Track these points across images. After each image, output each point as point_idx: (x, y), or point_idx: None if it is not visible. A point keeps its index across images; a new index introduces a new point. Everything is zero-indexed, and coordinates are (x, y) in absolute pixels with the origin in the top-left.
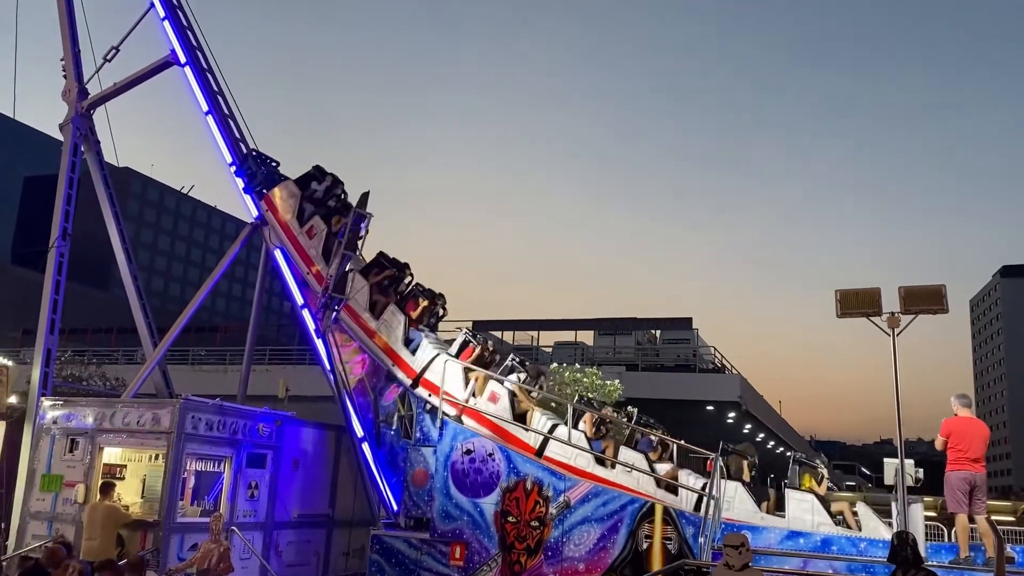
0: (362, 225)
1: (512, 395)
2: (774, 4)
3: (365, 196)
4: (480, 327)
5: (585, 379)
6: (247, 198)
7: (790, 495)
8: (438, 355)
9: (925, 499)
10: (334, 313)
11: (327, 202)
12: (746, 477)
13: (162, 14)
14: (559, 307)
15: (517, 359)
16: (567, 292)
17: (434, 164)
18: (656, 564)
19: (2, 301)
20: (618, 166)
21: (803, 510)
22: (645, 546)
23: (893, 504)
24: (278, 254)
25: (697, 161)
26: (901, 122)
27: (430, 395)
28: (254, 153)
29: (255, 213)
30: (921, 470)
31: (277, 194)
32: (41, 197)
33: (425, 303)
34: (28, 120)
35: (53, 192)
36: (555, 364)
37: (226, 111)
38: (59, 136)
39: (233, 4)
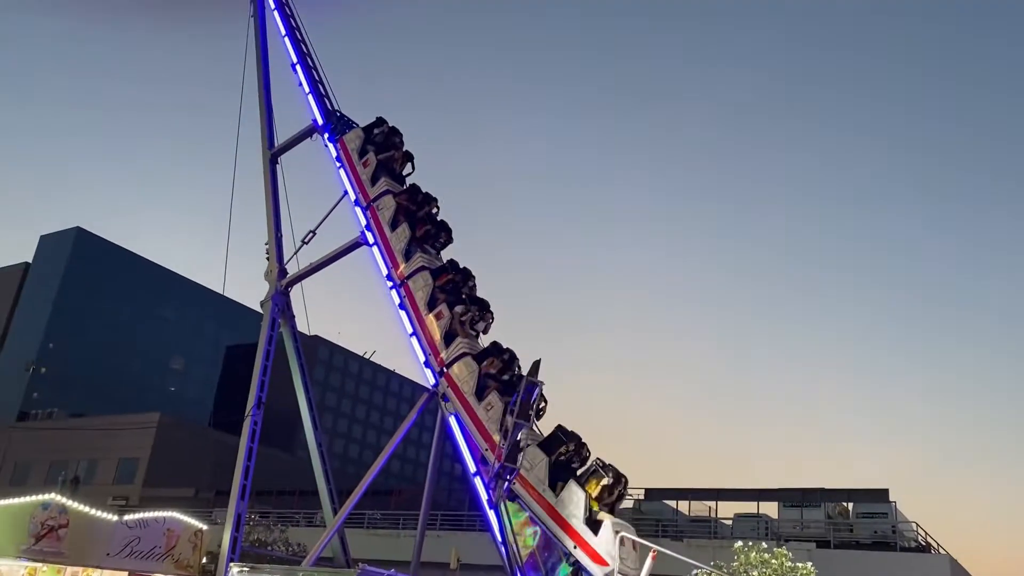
0: (534, 394)
1: None
2: None
3: (536, 364)
4: (653, 495)
5: (774, 560)
6: (426, 369)
7: None
8: (620, 535)
9: None
10: (507, 484)
11: (503, 376)
12: None
13: (353, 198)
14: (739, 475)
15: (600, 462)
16: (747, 458)
17: (604, 327)
18: None
19: (201, 463)
20: (796, 317)
21: None
22: None
23: None
24: (452, 421)
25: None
26: None
27: None
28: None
29: (432, 381)
30: None
31: (456, 371)
32: (240, 364)
33: (607, 481)
34: (232, 294)
35: (251, 360)
36: (739, 543)
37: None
38: (258, 308)
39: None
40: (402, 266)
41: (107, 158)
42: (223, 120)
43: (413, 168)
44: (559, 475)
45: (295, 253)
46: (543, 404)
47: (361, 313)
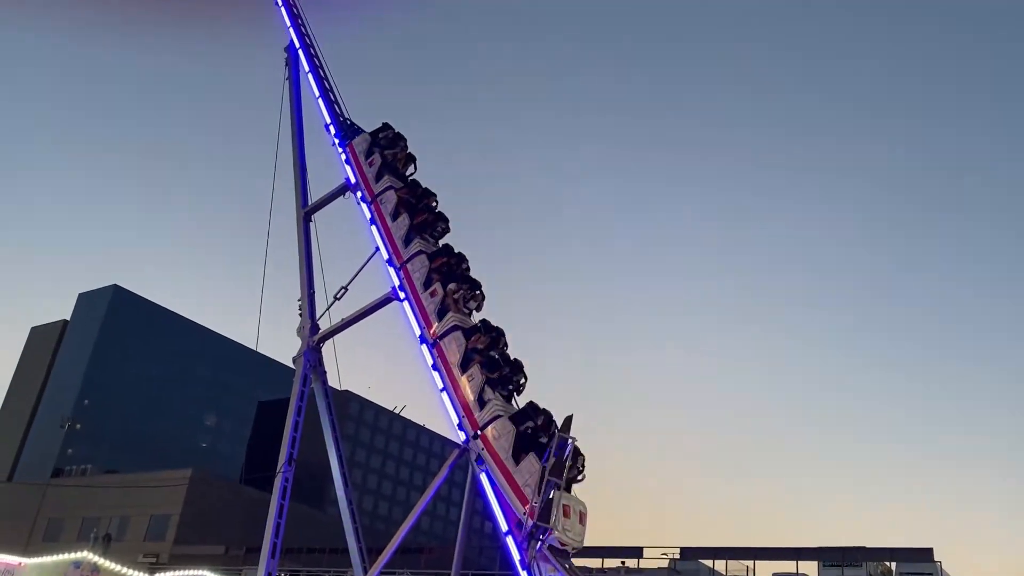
0: (567, 450)
1: None
2: None
3: (569, 420)
4: (688, 555)
5: None
6: (455, 422)
7: None
8: (563, 504)
9: None
10: (539, 543)
11: (539, 438)
12: None
13: (385, 256)
14: (776, 534)
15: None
16: (785, 516)
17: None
18: None
19: (231, 519)
20: (833, 373)
21: None
22: None
23: None
24: (484, 479)
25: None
26: None
27: None
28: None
29: (462, 437)
30: None
31: (491, 432)
32: (272, 420)
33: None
34: (265, 350)
35: (282, 415)
36: None
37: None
38: (290, 363)
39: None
40: (435, 325)
41: (143, 215)
42: (257, 178)
43: (415, 168)
44: (524, 446)
45: (327, 309)
46: (580, 460)
47: (391, 367)
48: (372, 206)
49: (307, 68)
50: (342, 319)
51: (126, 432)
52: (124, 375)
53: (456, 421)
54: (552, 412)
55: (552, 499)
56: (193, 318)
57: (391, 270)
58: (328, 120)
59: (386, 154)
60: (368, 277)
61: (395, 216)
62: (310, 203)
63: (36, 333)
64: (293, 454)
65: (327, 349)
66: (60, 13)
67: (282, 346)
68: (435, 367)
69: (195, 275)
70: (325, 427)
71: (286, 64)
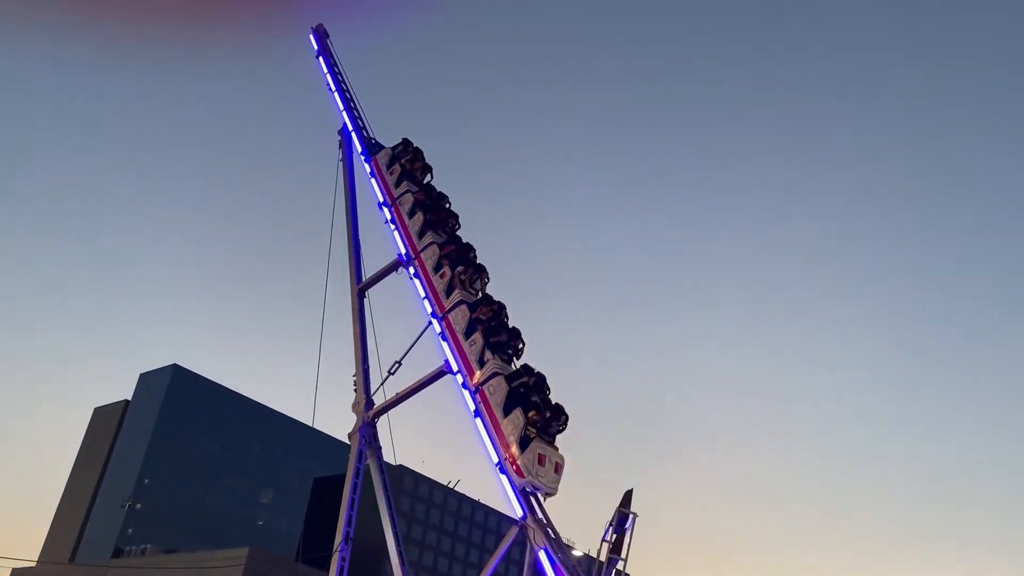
0: (627, 525)
1: None
2: None
3: (629, 494)
4: None
5: None
6: (514, 501)
7: None
8: (539, 453)
9: None
10: None
11: (531, 397)
12: None
13: (438, 330)
14: None
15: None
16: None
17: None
18: None
19: None
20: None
21: None
22: None
23: None
24: (542, 555)
25: None
26: None
27: None
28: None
29: (520, 512)
30: None
31: (488, 387)
32: (327, 496)
33: (547, 413)
34: (320, 425)
35: (338, 491)
36: None
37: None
38: (345, 439)
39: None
40: (444, 301)
41: (202, 295)
42: (312, 257)
43: (432, 176)
44: (515, 402)
45: (381, 384)
46: (564, 419)
47: (444, 441)
48: (392, 209)
49: (360, 148)
50: (396, 394)
51: (185, 510)
52: (183, 454)
53: (461, 380)
54: (564, 405)
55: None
56: (250, 395)
57: (445, 345)
58: (381, 199)
59: (404, 163)
60: (421, 351)
61: (411, 215)
62: (364, 279)
63: (99, 414)
64: (350, 532)
65: (381, 424)
66: (157, 84)
67: (337, 422)
68: (443, 336)
69: (251, 352)
70: (381, 504)
71: (339, 146)
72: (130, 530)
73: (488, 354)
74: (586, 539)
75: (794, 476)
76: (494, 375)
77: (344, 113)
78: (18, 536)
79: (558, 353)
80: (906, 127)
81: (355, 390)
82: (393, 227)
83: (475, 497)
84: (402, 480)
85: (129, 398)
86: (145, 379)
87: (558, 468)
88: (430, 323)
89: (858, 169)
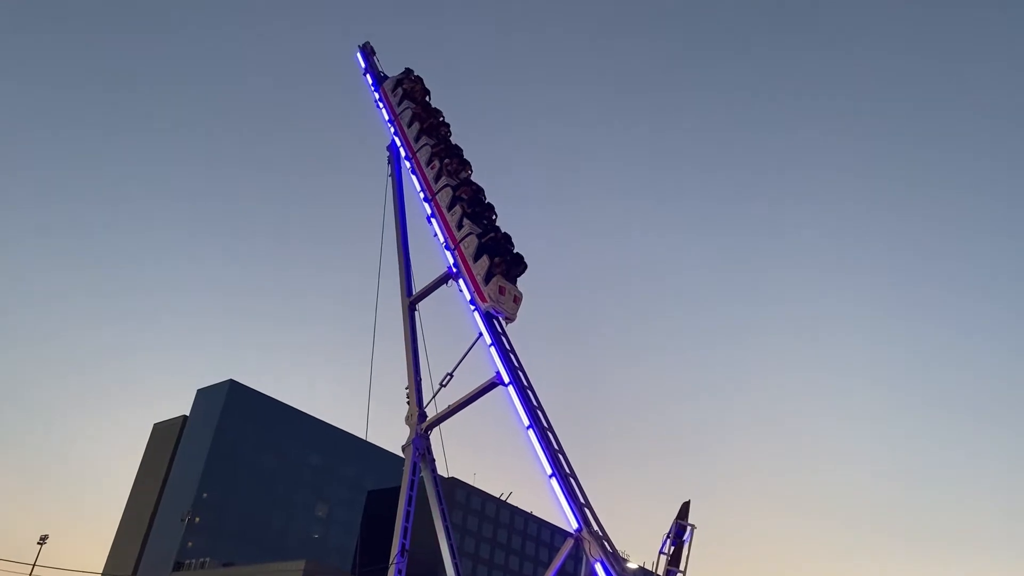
0: (684, 537)
1: None
2: None
3: (686, 506)
4: None
5: None
6: (569, 513)
7: None
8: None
9: None
10: None
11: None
12: None
13: (488, 341)
14: None
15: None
16: None
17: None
18: None
19: None
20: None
21: None
22: None
23: None
24: (598, 568)
25: None
26: None
27: None
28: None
29: (575, 524)
30: None
31: (463, 244)
32: (382, 508)
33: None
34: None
35: (392, 503)
36: None
37: (545, 424)
38: (398, 451)
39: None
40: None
41: (255, 310)
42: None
43: (429, 94)
44: (483, 251)
45: (433, 396)
46: (522, 268)
47: (496, 453)
48: (395, 123)
49: (409, 166)
50: (448, 406)
51: (242, 524)
52: (240, 468)
53: (443, 242)
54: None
55: None
56: (304, 409)
57: (494, 351)
58: (429, 212)
59: (405, 86)
60: (473, 363)
61: (410, 124)
62: (414, 292)
63: (158, 429)
64: (405, 544)
65: (433, 436)
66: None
67: (390, 434)
68: (434, 215)
69: (305, 367)
70: (436, 516)
71: (388, 162)
72: (190, 543)
73: (466, 221)
74: (641, 552)
75: (853, 489)
76: (468, 235)
77: (391, 127)
78: (84, 550)
79: (613, 359)
80: (906, 127)
81: (408, 402)
82: (507, 378)
83: (527, 509)
84: (454, 492)
85: (187, 414)
86: (202, 395)
87: (516, 300)
88: (480, 335)
89: (858, 169)
